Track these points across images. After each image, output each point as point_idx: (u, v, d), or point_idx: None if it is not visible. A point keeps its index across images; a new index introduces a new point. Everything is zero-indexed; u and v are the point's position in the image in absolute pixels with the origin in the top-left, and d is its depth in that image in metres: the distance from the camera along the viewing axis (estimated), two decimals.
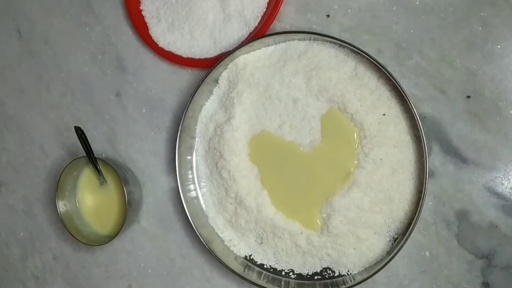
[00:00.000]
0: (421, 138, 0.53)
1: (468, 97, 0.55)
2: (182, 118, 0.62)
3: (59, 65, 0.73)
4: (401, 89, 0.53)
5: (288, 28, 0.61)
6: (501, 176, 0.55)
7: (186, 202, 0.63)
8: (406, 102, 0.53)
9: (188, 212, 0.62)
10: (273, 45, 0.60)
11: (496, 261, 0.55)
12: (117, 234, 0.64)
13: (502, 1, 0.54)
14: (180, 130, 0.62)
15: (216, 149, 0.62)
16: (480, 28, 0.54)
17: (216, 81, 0.63)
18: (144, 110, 0.69)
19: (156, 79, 0.68)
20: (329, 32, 0.59)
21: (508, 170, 0.55)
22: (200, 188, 0.65)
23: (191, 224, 0.67)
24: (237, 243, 0.64)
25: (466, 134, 0.55)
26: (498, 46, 0.54)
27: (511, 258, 0.55)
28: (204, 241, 0.61)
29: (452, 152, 0.56)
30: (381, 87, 0.56)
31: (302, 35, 0.58)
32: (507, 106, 0.54)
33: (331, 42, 0.57)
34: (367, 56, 0.53)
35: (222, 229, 0.64)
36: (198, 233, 0.62)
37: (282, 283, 0.61)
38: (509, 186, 0.55)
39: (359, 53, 0.55)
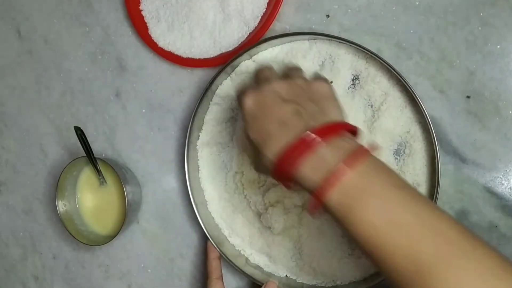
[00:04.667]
0: (432, 141, 0.53)
1: (468, 97, 0.55)
2: (188, 130, 0.62)
3: (59, 65, 0.73)
4: (412, 91, 0.53)
5: (288, 29, 0.61)
6: (501, 176, 0.55)
7: (196, 205, 0.63)
8: (418, 105, 0.53)
9: (200, 216, 0.62)
10: (280, 45, 0.60)
11: None
12: (117, 234, 0.64)
13: (502, 1, 0.53)
14: (188, 142, 0.62)
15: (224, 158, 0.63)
16: (480, 28, 0.54)
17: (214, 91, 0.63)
18: (144, 110, 0.69)
19: (156, 79, 0.68)
20: (329, 32, 0.59)
21: (508, 170, 0.55)
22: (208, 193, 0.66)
23: (191, 224, 0.67)
24: (247, 250, 0.63)
25: (466, 134, 0.55)
26: (498, 46, 0.54)
27: (511, 258, 0.55)
28: (215, 244, 0.61)
29: (452, 152, 0.56)
30: (392, 88, 0.56)
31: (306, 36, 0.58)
32: (507, 106, 0.54)
33: (339, 42, 0.57)
34: (378, 58, 0.53)
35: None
36: (209, 236, 0.62)
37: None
38: (508, 186, 0.55)
39: (367, 53, 0.55)
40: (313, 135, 0.40)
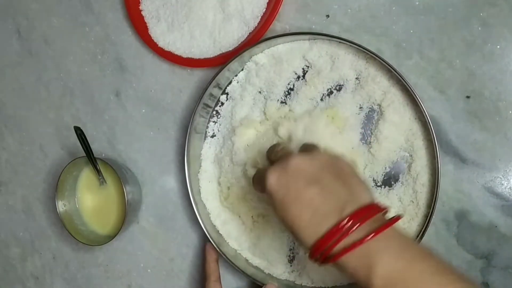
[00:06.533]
0: (432, 140, 0.53)
1: (468, 97, 0.55)
2: (188, 130, 0.61)
3: (59, 65, 0.73)
4: (412, 90, 0.52)
5: (288, 29, 0.61)
6: (501, 176, 0.55)
7: (196, 205, 0.62)
8: (418, 105, 0.53)
9: (200, 217, 0.62)
10: (280, 45, 0.60)
11: (496, 261, 0.55)
12: (116, 234, 0.64)
13: (502, 1, 0.54)
14: (187, 142, 0.62)
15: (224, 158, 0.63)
16: (480, 28, 0.54)
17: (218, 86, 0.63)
18: (144, 110, 0.69)
19: (156, 79, 0.68)
20: (329, 32, 0.59)
21: (507, 170, 0.55)
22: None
23: (191, 224, 0.67)
24: (246, 252, 0.63)
25: (466, 134, 0.55)
26: (498, 46, 0.54)
27: (510, 258, 0.55)
28: (215, 245, 0.61)
29: (452, 152, 0.56)
30: (392, 87, 0.56)
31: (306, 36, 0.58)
32: (507, 106, 0.54)
33: (339, 42, 0.57)
34: (379, 58, 0.53)
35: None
36: (209, 237, 0.61)
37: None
38: (508, 186, 0.55)
39: (368, 54, 0.55)
40: (348, 224, 0.41)
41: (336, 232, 0.41)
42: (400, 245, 0.41)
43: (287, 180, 0.44)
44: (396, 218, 0.43)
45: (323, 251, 0.42)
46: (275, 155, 0.49)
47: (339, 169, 0.45)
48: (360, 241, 0.40)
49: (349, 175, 0.45)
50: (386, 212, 0.44)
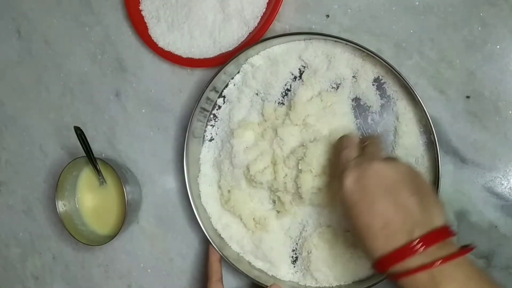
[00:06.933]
0: (433, 142, 0.53)
1: (468, 97, 0.55)
2: (188, 130, 0.61)
3: (59, 65, 0.73)
4: (409, 85, 0.53)
5: (288, 29, 0.61)
6: (501, 176, 0.55)
7: (196, 209, 0.62)
8: (416, 101, 0.53)
9: (200, 220, 0.62)
10: (277, 46, 0.60)
11: (496, 261, 0.55)
12: (116, 234, 0.64)
13: (502, 1, 0.53)
14: (187, 142, 0.62)
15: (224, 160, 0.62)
16: (479, 28, 0.54)
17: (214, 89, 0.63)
18: (143, 110, 0.69)
19: (156, 79, 0.68)
20: (329, 32, 0.59)
21: (507, 170, 0.55)
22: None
23: (191, 224, 0.67)
24: (248, 255, 0.63)
25: (466, 134, 0.55)
26: (498, 47, 0.54)
27: (510, 259, 0.55)
28: (217, 248, 0.61)
29: (452, 152, 0.56)
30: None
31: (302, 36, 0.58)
32: (507, 106, 0.54)
33: (335, 41, 0.57)
34: (377, 57, 0.53)
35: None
36: (210, 239, 0.61)
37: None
38: (508, 186, 0.55)
39: (364, 52, 0.55)
40: (417, 246, 0.41)
41: (403, 252, 0.41)
42: (467, 274, 0.40)
43: (365, 184, 0.44)
44: (469, 248, 0.42)
45: (387, 268, 0.42)
46: (359, 149, 0.49)
47: (417, 185, 0.44)
48: (426, 266, 0.40)
49: (426, 193, 0.44)
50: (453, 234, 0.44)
